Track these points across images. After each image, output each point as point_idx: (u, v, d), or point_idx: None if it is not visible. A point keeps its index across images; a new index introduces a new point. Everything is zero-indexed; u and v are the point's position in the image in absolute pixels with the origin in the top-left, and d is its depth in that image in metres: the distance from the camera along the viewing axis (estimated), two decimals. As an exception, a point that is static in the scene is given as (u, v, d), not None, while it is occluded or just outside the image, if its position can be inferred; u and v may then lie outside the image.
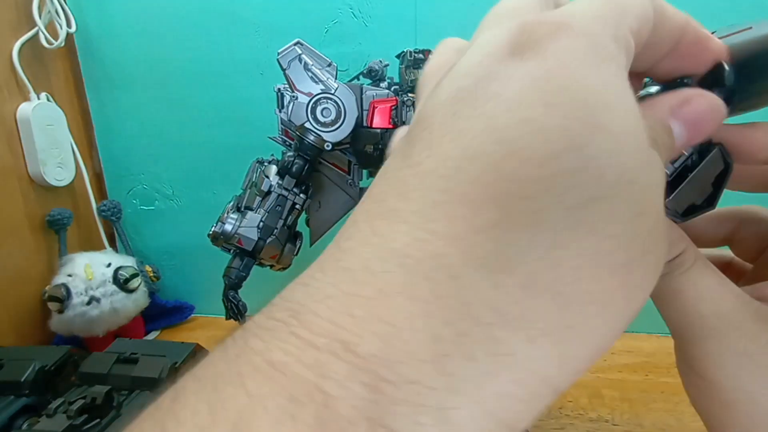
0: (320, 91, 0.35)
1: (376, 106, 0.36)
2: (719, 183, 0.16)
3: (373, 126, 0.36)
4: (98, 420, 0.36)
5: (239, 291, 0.40)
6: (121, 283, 0.56)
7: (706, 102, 0.14)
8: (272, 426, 0.08)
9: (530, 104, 0.10)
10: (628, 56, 0.13)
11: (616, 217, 0.10)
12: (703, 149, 0.16)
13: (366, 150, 0.37)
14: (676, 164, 0.16)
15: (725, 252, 0.21)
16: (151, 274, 0.62)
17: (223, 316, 0.42)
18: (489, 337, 0.09)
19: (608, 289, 0.10)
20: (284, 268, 0.41)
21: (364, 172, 0.43)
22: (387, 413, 0.08)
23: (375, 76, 0.42)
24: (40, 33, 0.56)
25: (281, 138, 0.42)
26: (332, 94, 0.35)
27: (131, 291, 0.57)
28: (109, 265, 0.57)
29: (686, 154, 0.16)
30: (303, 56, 0.36)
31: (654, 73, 0.16)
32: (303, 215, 0.42)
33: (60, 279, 0.55)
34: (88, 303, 0.54)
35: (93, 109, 0.65)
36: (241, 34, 0.59)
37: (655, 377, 0.51)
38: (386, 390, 0.08)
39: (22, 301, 0.56)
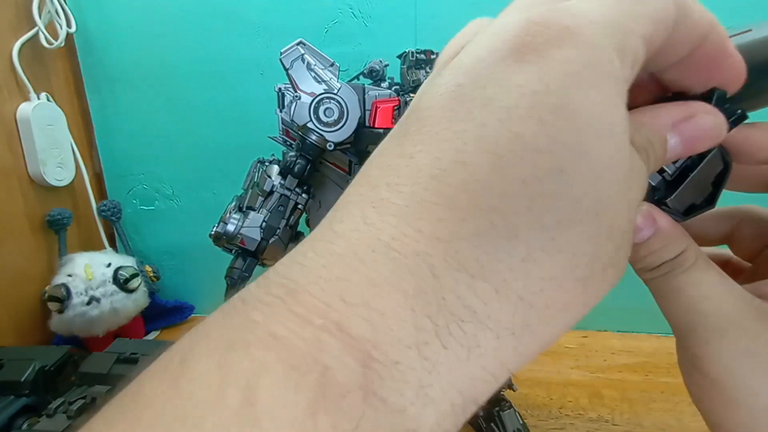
0: (323, 91, 0.35)
1: (378, 106, 0.36)
2: (719, 182, 0.17)
3: (376, 126, 0.36)
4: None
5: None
6: (121, 283, 0.56)
7: (711, 121, 0.15)
8: (279, 388, 0.09)
9: (524, 119, 0.11)
10: (633, 67, 0.13)
11: (586, 239, 0.11)
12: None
13: (368, 150, 0.37)
14: (677, 164, 0.17)
15: (724, 250, 0.21)
16: (151, 274, 0.62)
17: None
18: (462, 331, 0.10)
19: (568, 299, 0.11)
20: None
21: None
22: (376, 384, 0.10)
23: (375, 76, 0.42)
24: (40, 33, 0.56)
25: (282, 138, 0.42)
26: (335, 94, 0.35)
27: (131, 291, 0.57)
28: (109, 265, 0.57)
29: None
30: (306, 56, 0.36)
31: (663, 80, 0.16)
32: (303, 215, 0.42)
33: (60, 279, 0.55)
34: (88, 303, 0.54)
35: (93, 109, 0.65)
36: (241, 34, 0.59)
37: (655, 377, 0.51)
38: (375, 366, 0.10)
39: (22, 301, 0.55)
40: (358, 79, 0.42)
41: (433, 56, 0.39)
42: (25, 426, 0.38)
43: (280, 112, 0.40)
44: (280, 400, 0.09)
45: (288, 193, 0.38)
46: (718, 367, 0.15)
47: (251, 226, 0.37)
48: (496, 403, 0.40)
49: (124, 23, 0.60)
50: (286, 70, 0.36)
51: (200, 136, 0.63)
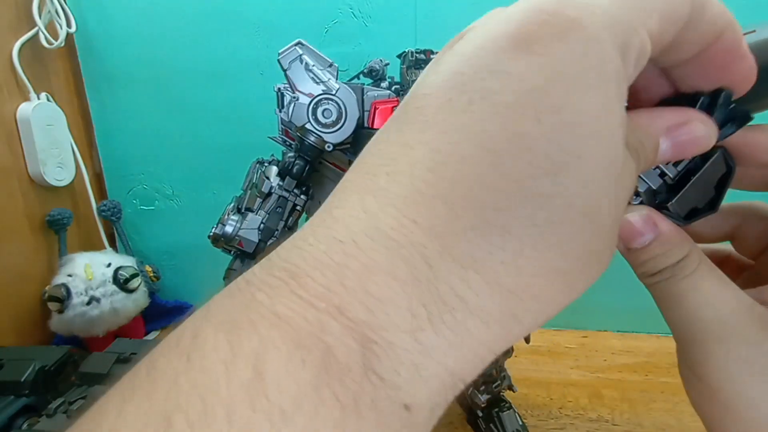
0: (321, 92, 0.35)
1: (377, 107, 0.36)
2: (722, 186, 0.16)
3: (375, 127, 0.36)
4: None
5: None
6: (121, 283, 0.56)
7: (702, 130, 0.15)
8: (286, 363, 0.10)
9: (522, 117, 0.11)
10: (637, 64, 0.13)
11: (575, 238, 0.12)
12: (706, 153, 0.16)
13: (367, 150, 0.37)
14: (679, 167, 0.16)
15: (724, 246, 0.21)
16: (151, 274, 0.62)
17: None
18: (453, 319, 0.11)
19: (553, 292, 0.12)
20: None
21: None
22: (374, 363, 0.10)
23: (375, 75, 0.42)
24: (40, 33, 0.56)
25: (281, 138, 0.42)
26: (333, 95, 0.35)
27: (131, 291, 0.57)
28: (109, 265, 0.57)
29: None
30: (304, 57, 0.36)
31: (671, 75, 0.16)
32: (303, 215, 0.42)
33: (60, 279, 0.55)
34: (88, 303, 0.54)
35: (93, 109, 0.65)
36: (241, 34, 0.59)
37: (655, 377, 0.51)
38: (373, 347, 0.10)
39: (22, 301, 0.56)
40: (358, 79, 0.42)
41: (432, 56, 0.39)
42: (25, 426, 0.38)
43: (280, 112, 0.40)
44: (286, 373, 0.10)
45: (286, 194, 0.38)
46: (718, 374, 0.15)
47: (249, 228, 0.37)
48: (496, 404, 0.40)
49: (124, 23, 0.60)
50: (284, 70, 0.36)
51: (200, 136, 0.63)
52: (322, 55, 0.37)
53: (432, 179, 0.11)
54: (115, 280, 0.56)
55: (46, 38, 0.57)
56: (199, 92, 0.61)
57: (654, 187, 0.17)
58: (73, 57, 0.63)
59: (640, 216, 0.16)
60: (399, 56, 0.42)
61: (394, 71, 0.43)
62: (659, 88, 0.16)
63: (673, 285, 0.16)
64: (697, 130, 0.15)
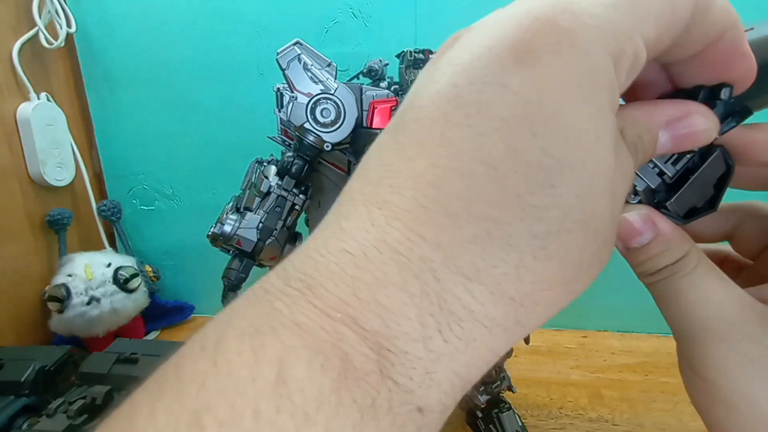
0: (320, 92, 0.35)
1: (376, 106, 0.36)
2: (721, 185, 0.16)
3: (373, 126, 0.36)
4: (98, 420, 0.36)
5: (239, 292, 0.40)
6: (121, 283, 0.56)
7: (703, 123, 0.15)
8: (307, 369, 0.10)
9: (518, 131, 0.12)
10: (631, 72, 0.13)
11: (574, 245, 0.12)
12: (705, 151, 0.16)
13: (366, 150, 0.37)
14: (678, 166, 0.16)
15: (722, 246, 0.21)
16: (151, 274, 0.62)
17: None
18: (460, 328, 0.12)
19: (555, 296, 0.12)
20: (284, 269, 0.41)
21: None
22: (389, 369, 0.11)
23: (375, 75, 0.42)
24: (40, 33, 0.56)
25: (281, 138, 0.42)
26: (332, 95, 0.35)
27: (131, 291, 0.57)
28: (109, 265, 0.57)
29: (688, 156, 0.16)
30: (302, 56, 0.36)
31: (671, 72, 0.16)
32: (302, 215, 0.42)
33: (60, 279, 0.55)
34: (88, 303, 0.54)
35: (93, 109, 0.65)
36: (241, 34, 0.59)
37: (655, 377, 0.51)
38: (387, 355, 0.11)
39: (22, 301, 0.56)
40: (358, 79, 0.42)
41: (431, 56, 0.39)
42: (25, 426, 0.38)
43: (279, 112, 0.40)
44: (308, 378, 0.10)
45: (285, 194, 0.38)
46: (718, 371, 0.15)
47: (248, 227, 0.37)
48: (495, 405, 0.40)
49: (124, 23, 0.61)
50: (283, 70, 0.36)
51: (200, 136, 0.63)
52: (321, 54, 0.37)
53: (434, 194, 0.12)
54: (115, 280, 0.56)
55: (46, 38, 0.57)
56: (199, 92, 0.61)
57: (653, 186, 0.17)
58: (73, 57, 0.63)
59: (639, 215, 0.16)
60: (398, 56, 0.42)
61: (393, 71, 0.43)
62: (659, 83, 0.16)
63: (672, 284, 0.16)
64: (698, 123, 0.15)
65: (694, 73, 0.15)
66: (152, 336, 0.64)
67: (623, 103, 0.15)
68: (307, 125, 0.36)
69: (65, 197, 0.62)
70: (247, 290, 0.13)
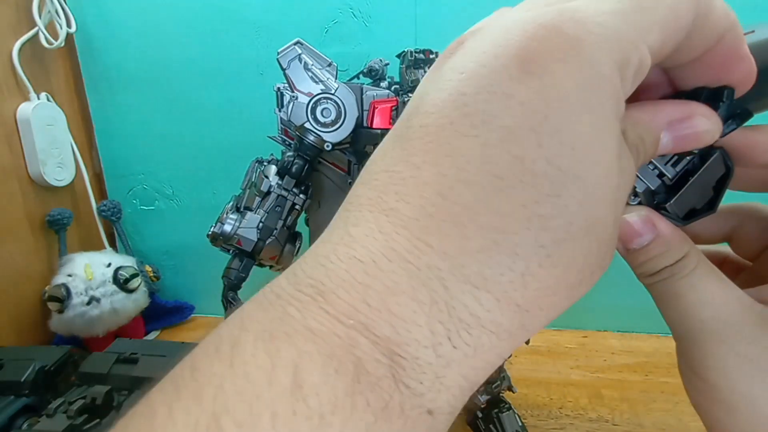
0: (320, 91, 0.35)
1: (376, 106, 0.36)
2: (720, 187, 0.16)
3: (374, 126, 0.36)
4: (98, 420, 0.36)
5: (239, 291, 0.40)
6: (121, 283, 0.56)
7: (706, 125, 0.15)
8: (322, 373, 0.11)
9: (524, 141, 0.12)
10: (636, 78, 0.13)
11: (578, 252, 0.12)
12: (705, 153, 0.16)
13: (366, 150, 0.37)
14: (678, 168, 0.16)
15: (722, 247, 0.21)
16: (151, 274, 0.62)
17: (223, 316, 0.42)
18: (468, 334, 0.12)
19: (558, 301, 0.13)
20: (284, 269, 0.41)
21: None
22: (401, 374, 0.11)
23: (375, 75, 0.42)
24: (40, 33, 0.56)
25: (281, 137, 0.42)
26: (332, 94, 0.35)
27: (131, 291, 0.57)
28: (109, 265, 0.57)
29: (688, 158, 0.16)
30: (303, 56, 0.36)
31: (671, 75, 0.16)
32: (302, 215, 0.42)
33: (60, 279, 0.55)
34: (88, 303, 0.54)
35: (93, 109, 0.65)
36: (241, 34, 0.59)
37: (655, 377, 0.51)
38: (399, 360, 0.11)
39: (22, 301, 0.56)
40: (358, 79, 0.42)
41: (432, 56, 0.39)
42: (25, 426, 0.38)
43: (279, 111, 0.40)
44: (323, 382, 0.11)
45: (285, 193, 0.38)
46: (717, 372, 0.15)
47: (248, 227, 0.37)
48: (495, 405, 0.40)
49: (124, 23, 0.60)
50: (283, 70, 0.36)
51: (200, 136, 0.63)
52: (321, 54, 0.37)
53: (441, 203, 0.12)
54: (115, 280, 0.56)
55: (46, 38, 0.57)
56: (199, 92, 0.61)
57: (652, 188, 0.17)
58: (73, 57, 0.63)
59: (639, 217, 0.16)
60: (398, 56, 0.42)
61: (393, 71, 0.43)
62: (660, 86, 0.16)
63: (672, 285, 0.16)
64: (700, 125, 0.15)
65: (694, 76, 0.15)
66: (152, 336, 0.64)
67: None
68: (307, 125, 0.36)
69: (65, 197, 0.62)
70: (258, 294, 0.13)
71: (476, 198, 0.12)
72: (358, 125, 0.37)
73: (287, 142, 0.41)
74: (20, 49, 0.55)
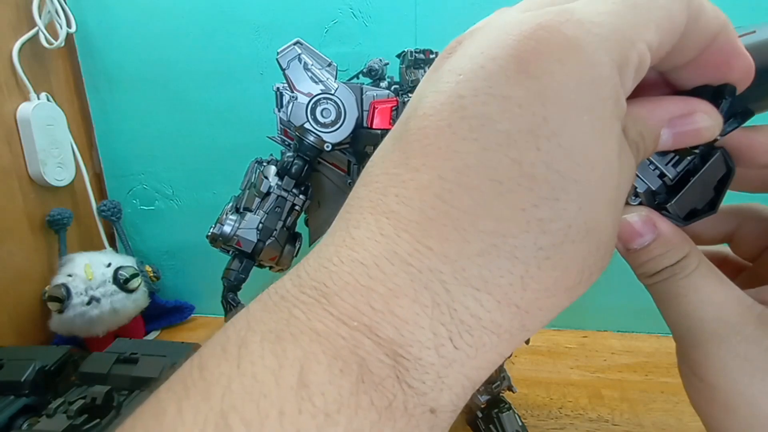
0: (320, 92, 0.35)
1: (376, 106, 0.36)
2: (721, 187, 0.16)
3: (374, 127, 0.36)
4: (98, 420, 0.36)
5: (238, 292, 0.40)
6: (121, 283, 0.56)
7: (707, 121, 0.15)
8: (327, 373, 0.11)
9: (522, 145, 0.12)
10: (635, 77, 0.13)
11: (577, 255, 0.12)
12: (706, 153, 0.16)
13: (366, 151, 0.37)
14: (679, 168, 0.16)
15: (721, 248, 0.21)
16: (151, 274, 0.62)
17: (223, 316, 0.42)
18: (470, 335, 0.12)
19: (557, 302, 0.13)
20: (283, 269, 0.41)
21: (364, 172, 0.42)
22: (404, 374, 0.12)
23: (375, 75, 0.42)
24: (40, 33, 0.56)
25: (280, 138, 0.42)
26: (332, 95, 0.35)
27: (131, 291, 0.57)
28: (109, 265, 0.57)
29: (689, 158, 0.16)
30: (303, 56, 0.36)
31: (670, 78, 0.16)
32: (302, 215, 0.42)
33: (60, 279, 0.55)
34: (88, 303, 0.54)
35: (93, 109, 0.65)
36: (241, 34, 0.59)
37: (655, 377, 0.51)
38: (402, 361, 0.12)
39: (22, 301, 0.56)
40: (358, 79, 0.42)
41: (432, 55, 0.39)
42: (25, 426, 0.38)
43: (278, 112, 0.40)
44: (328, 382, 0.11)
45: (285, 194, 0.38)
46: (717, 372, 0.15)
47: (247, 228, 0.37)
48: (495, 405, 0.40)
49: (124, 23, 0.61)
50: (283, 70, 0.36)
51: (200, 136, 0.63)
52: (321, 54, 0.37)
53: (441, 207, 0.12)
54: (115, 280, 0.56)
55: (46, 38, 0.57)
56: (199, 92, 0.61)
57: (653, 188, 0.17)
58: (73, 57, 0.63)
59: (639, 217, 0.16)
60: (398, 56, 0.42)
61: (393, 71, 0.43)
62: (659, 86, 0.16)
63: (672, 285, 0.16)
64: (701, 121, 0.15)
65: (693, 77, 0.15)
66: (152, 336, 0.64)
67: None
68: (307, 125, 0.36)
69: (65, 197, 0.62)
70: (263, 294, 0.13)
71: (475, 202, 0.12)
72: (358, 125, 0.37)
73: (287, 143, 0.41)
74: (20, 49, 0.55)
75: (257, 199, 0.38)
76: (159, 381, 0.12)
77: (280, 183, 0.38)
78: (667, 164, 0.16)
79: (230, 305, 0.39)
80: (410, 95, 0.37)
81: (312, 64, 0.36)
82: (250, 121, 0.61)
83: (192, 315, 0.68)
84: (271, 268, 0.41)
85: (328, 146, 0.36)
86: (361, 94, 0.37)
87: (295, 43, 0.36)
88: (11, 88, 0.55)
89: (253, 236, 0.37)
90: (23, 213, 0.56)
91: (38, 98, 0.57)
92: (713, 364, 0.15)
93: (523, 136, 0.12)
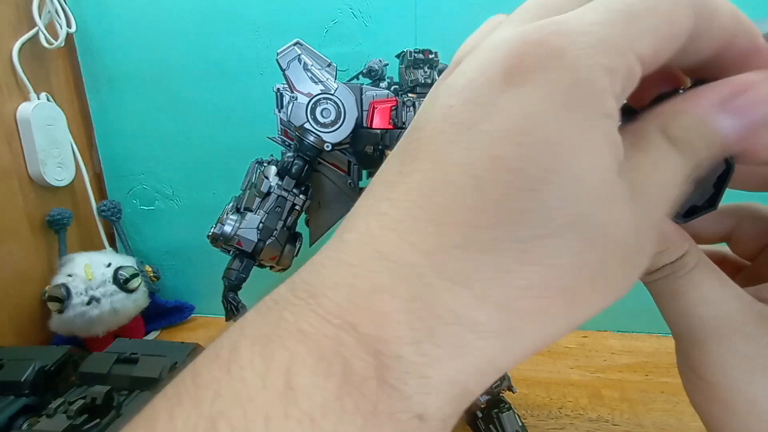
0: (320, 92, 0.35)
1: (376, 106, 0.36)
2: (721, 184, 0.16)
3: (373, 127, 0.36)
4: (98, 420, 0.36)
5: (239, 292, 0.40)
6: (121, 283, 0.56)
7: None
8: (312, 375, 0.11)
9: (502, 142, 0.12)
10: (626, 85, 0.13)
11: (561, 252, 0.12)
12: None
13: (366, 151, 0.37)
14: None
15: (720, 247, 0.21)
16: (151, 274, 0.62)
17: (223, 316, 0.42)
18: (449, 332, 0.12)
19: (550, 305, 0.12)
20: (284, 269, 0.41)
21: (364, 172, 0.42)
22: (386, 374, 0.11)
23: (375, 75, 0.42)
24: (40, 33, 0.56)
25: (280, 138, 0.42)
26: (332, 95, 0.35)
27: (131, 291, 0.57)
28: (109, 265, 0.57)
29: None
30: (302, 56, 0.36)
31: (692, 76, 0.15)
32: (302, 215, 0.42)
33: (60, 279, 0.55)
34: (88, 303, 0.54)
35: (93, 109, 0.65)
36: (241, 34, 0.59)
37: (655, 377, 0.51)
38: (383, 359, 0.11)
39: (22, 301, 0.56)
40: (357, 79, 0.42)
41: (431, 55, 0.39)
42: (25, 426, 0.38)
43: (279, 112, 0.40)
44: (313, 384, 0.11)
45: (285, 194, 0.38)
46: (717, 370, 0.15)
47: (248, 228, 0.37)
48: (495, 405, 0.40)
49: (124, 23, 0.61)
50: (283, 70, 0.36)
51: (200, 136, 0.63)
52: (321, 54, 0.37)
53: (425, 204, 0.12)
54: (115, 280, 0.56)
55: (46, 38, 0.57)
56: (199, 92, 0.62)
57: None
58: (73, 57, 0.63)
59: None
60: (398, 56, 0.42)
61: (393, 71, 0.43)
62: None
63: (672, 282, 0.16)
64: (766, 90, 0.13)
65: (714, 74, 0.15)
66: (152, 336, 0.64)
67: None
68: (307, 125, 0.36)
69: (65, 197, 0.62)
70: (260, 302, 0.13)
71: (455, 198, 0.12)
72: (358, 125, 0.37)
73: (287, 143, 0.41)
74: (20, 49, 0.55)
75: (258, 199, 0.38)
76: (158, 382, 0.12)
77: (280, 183, 0.38)
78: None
79: (231, 305, 0.39)
80: (410, 95, 0.37)
81: (312, 65, 0.36)
82: (250, 121, 0.61)
83: (192, 315, 0.68)
84: (271, 267, 0.41)
85: (328, 146, 0.36)
86: (361, 94, 0.37)
87: (294, 44, 0.36)
88: (11, 88, 0.55)
89: (253, 236, 0.37)
90: (23, 213, 0.56)
91: (38, 98, 0.57)
92: (713, 361, 0.15)
93: (503, 134, 0.12)
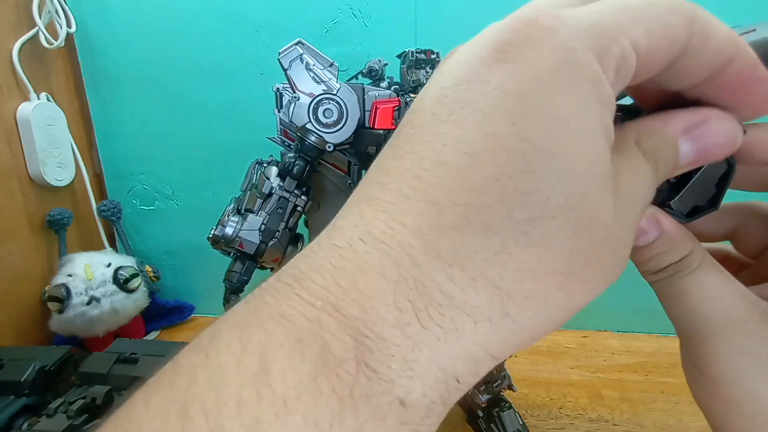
0: (322, 92, 0.35)
1: (378, 106, 0.36)
2: (722, 184, 0.16)
3: (376, 127, 0.36)
4: (98, 420, 0.36)
5: (241, 294, 0.40)
6: (121, 283, 0.56)
7: (724, 127, 0.14)
8: (287, 357, 0.11)
9: (497, 120, 0.12)
10: (620, 73, 0.13)
11: (558, 234, 0.12)
12: None
13: (368, 151, 0.37)
14: None
15: (723, 245, 0.21)
16: (151, 274, 0.62)
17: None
18: (439, 314, 0.11)
19: (547, 290, 0.12)
20: (285, 269, 0.41)
21: (364, 172, 0.43)
22: (367, 357, 0.11)
23: (375, 75, 0.42)
24: (40, 33, 0.56)
25: (280, 138, 0.42)
26: (334, 95, 0.35)
27: (131, 291, 0.57)
28: (109, 265, 0.57)
29: None
30: (304, 56, 0.36)
31: (690, 99, 0.16)
32: (302, 216, 0.42)
33: (60, 279, 0.55)
34: (88, 303, 0.54)
35: (93, 109, 0.65)
36: (241, 34, 0.59)
37: (655, 377, 0.51)
38: (366, 342, 0.11)
39: (22, 301, 0.55)
40: (357, 79, 0.42)
41: (432, 56, 0.39)
42: (25, 426, 0.38)
43: (278, 112, 0.40)
44: (288, 366, 0.11)
45: (287, 195, 0.38)
46: (721, 368, 0.15)
47: (250, 229, 0.36)
48: (496, 404, 0.40)
49: (124, 23, 0.60)
50: (285, 70, 0.36)
51: (200, 136, 0.63)
52: (323, 54, 0.37)
53: (417, 185, 0.12)
54: (115, 280, 0.56)
55: (46, 38, 0.57)
56: (199, 92, 0.61)
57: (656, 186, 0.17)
58: (73, 57, 0.63)
59: (644, 214, 0.16)
60: (399, 56, 0.42)
61: (393, 71, 0.43)
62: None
63: (676, 282, 0.16)
64: (718, 127, 0.14)
65: (712, 99, 0.15)
66: (152, 336, 0.64)
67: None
68: (309, 125, 0.36)
69: (65, 197, 0.62)
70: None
71: (449, 176, 0.12)
72: (360, 126, 0.37)
73: (286, 143, 0.41)
74: (20, 49, 0.55)
75: (259, 201, 0.38)
76: (141, 381, 0.12)
77: (281, 184, 0.38)
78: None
79: (232, 306, 0.39)
80: (411, 95, 0.38)
81: (314, 65, 0.36)
82: (250, 121, 0.61)
83: (192, 315, 0.68)
84: (273, 269, 0.41)
85: (329, 146, 0.36)
86: (363, 94, 0.37)
87: (296, 43, 0.36)
88: (11, 88, 0.55)
89: (255, 238, 0.37)
90: (23, 213, 0.56)
91: (38, 98, 0.57)
92: (717, 359, 0.15)
93: (498, 112, 0.12)
